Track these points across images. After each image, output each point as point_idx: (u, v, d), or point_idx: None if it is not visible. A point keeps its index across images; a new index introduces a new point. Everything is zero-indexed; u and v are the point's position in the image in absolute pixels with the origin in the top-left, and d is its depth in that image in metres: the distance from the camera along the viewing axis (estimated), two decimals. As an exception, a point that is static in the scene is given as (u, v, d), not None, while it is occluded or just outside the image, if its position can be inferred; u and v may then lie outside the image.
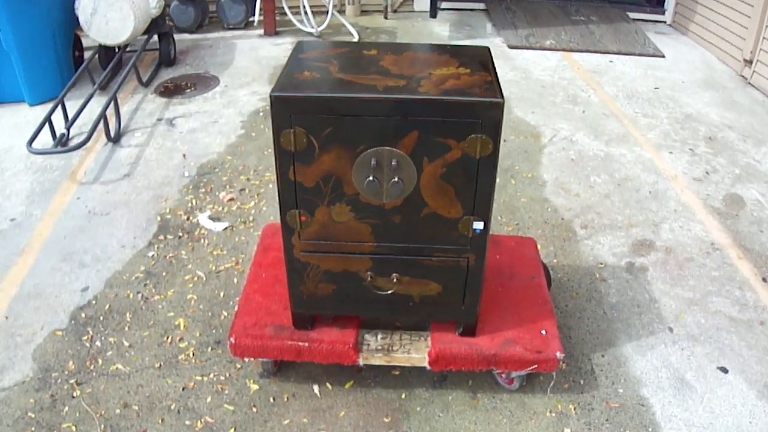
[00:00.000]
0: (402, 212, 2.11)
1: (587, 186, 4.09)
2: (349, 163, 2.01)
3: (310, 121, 1.94)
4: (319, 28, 6.48)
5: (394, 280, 2.26)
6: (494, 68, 2.10)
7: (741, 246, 3.62)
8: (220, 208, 3.79)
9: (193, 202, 3.84)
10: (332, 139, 1.97)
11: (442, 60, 2.15)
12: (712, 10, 6.41)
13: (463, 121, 1.91)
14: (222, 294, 3.18)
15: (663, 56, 6.33)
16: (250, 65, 5.83)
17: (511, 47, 6.38)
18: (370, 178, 2.01)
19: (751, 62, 5.75)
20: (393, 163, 1.98)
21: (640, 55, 6.33)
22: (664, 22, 7.37)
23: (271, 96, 1.90)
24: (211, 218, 3.68)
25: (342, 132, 1.95)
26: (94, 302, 3.14)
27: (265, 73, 5.66)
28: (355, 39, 6.43)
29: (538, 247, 3.07)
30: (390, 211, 2.11)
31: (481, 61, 2.15)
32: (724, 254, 3.56)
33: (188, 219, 3.70)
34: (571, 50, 6.33)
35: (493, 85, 1.94)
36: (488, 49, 2.26)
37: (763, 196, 4.07)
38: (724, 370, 2.86)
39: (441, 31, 6.93)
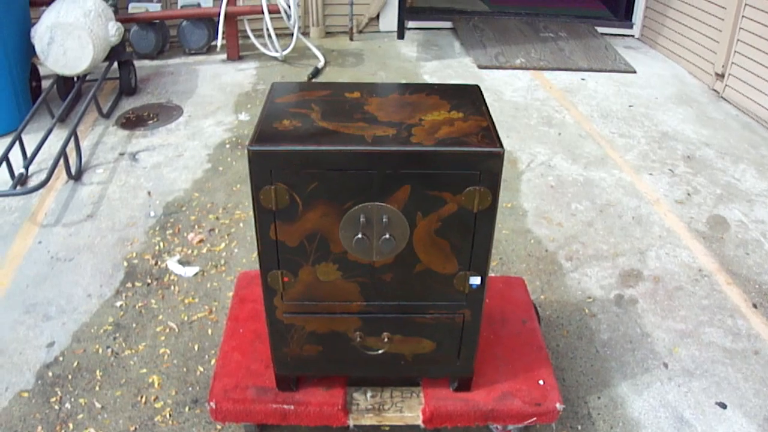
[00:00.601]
0: (393, 270, 1.96)
1: (569, 214, 3.98)
2: (335, 221, 1.85)
3: (292, 177, 1.77)
4: (284, 52, 6.31)
5: (385, 339, 2.10)
6: (488, 110, 1.96)
7: (728, 271, 3.54)
8: (190, 251, 3.59)
9: (161, 244, 3.64)
10: (317, 196, 1.81)
11: (431, 102, 2.00)
12: (681, 23, 6.41)
13: (460, 173, 1.76)
14: (196, 347, 2.99)
15: (634, 72, 6.30)
16: (213, 93, 5.64)
17: (481, 67, 6.30)
18: (359, 235, 1.85)
19: (722, 76, 5.73)
20: (383, 219, 1.83)
21: (611, 71, 6.29)
22: (633, 36, 7.37)
23: (248, 150, 1.73)
24: (181, 262, 3.48)
25: (328, 188, 1.79)
26: (61, 359, 2.93)
27: (230, 102, 5.47)
28: (321, 62, 6.28)
29: (526, 284, 2.93)
30: (380, 269, 1.95)
31: (474, 102, 2.01)
32: (713, 280, 3.47)
33: (156, 264, 3.49)
34: (542, 68, 6.26)
35: (491, 132, 1.80)
36: (478, 87, 2.13)
37: (746, 216, 4.01)
38: (723, 406, 2.76)
39: (408, 51, 6.82)
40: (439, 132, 1.80)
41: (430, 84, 2.02)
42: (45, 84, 5.17)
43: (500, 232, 3.78)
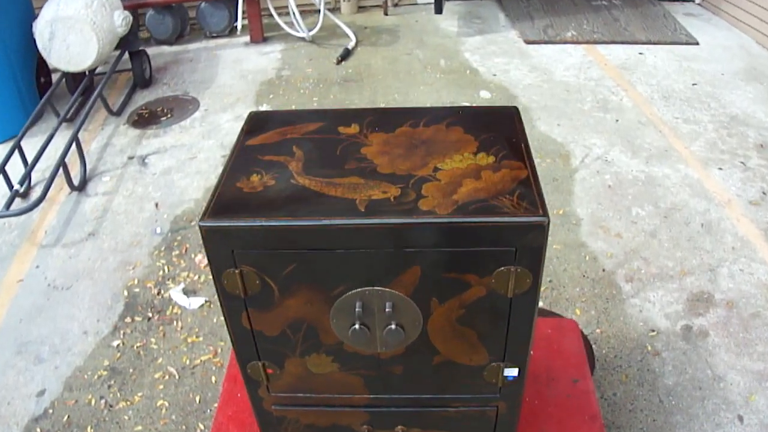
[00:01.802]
0: (404, 362, 1.50)
1: (629, 222, 3.44)
2: (324, 308, 1.40)
3: (262, 259, 1.32)
4: (311, 32, 5.82)
5: (400, 436, 1.66)
6: (527, 148, 1.47)
7: (819, 292, 2.99)
8: (196, 276, 3.19)
9: (166, 269, 3.25)
10: (297, 280, 1.35)
11: (452, 138, 1.52)
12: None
13: (488, 250, 1.29)
14: (198, 399, 2.61)
15: (697, 43, 5.63)
16: (234, 82, 5.20)
17: (528, 42, 5.71)
18: (356, 326, 1.39)
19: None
20: (387, 308, 1.37)
21: (671, 43, 5.63)
22: (693, 1, 6.64)
23: (200, 227, 1.28)
24: (186, 292, 3.09)
25: (309, 270, 1.34)
26: (51, 411, 2.61)
27: (251, 91, 5.03)
28: (352, 42, 5.77)
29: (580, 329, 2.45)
30: (388, 361, 1.50)
31: (509, 136, 1.51)
32: (799, 305, 2.93)
33: (159, 293, 3.11)
34: (595, 42, 5.64)
35: (531, 189, 1.31)
36: (516, 111, 1.63)
37: (838, 222, 3.42)
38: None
39: (448, 26, 6.25)
40: (460, 191, 1.32)
41: (453, 108, 1.52)
42: (55, 78, 4.79)
43: (550, 248, 3.28)
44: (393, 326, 1.40)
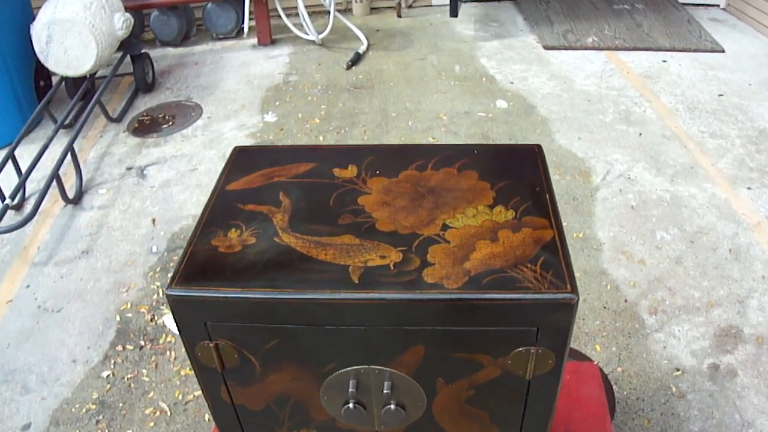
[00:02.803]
0: (406, 441, 1.31)
1: (653, 246, 3.23)
2: (313, 385, 1.21)
3: (240, 332, 1.13)
4: (321, 35, 5.63)
5: None
6: (553, 200, 1.27)
7: None
8: (191, 301, 3.01)
9: (160, 292, 3.08)
10: (281, 356, 1.16)
11: (464, 186, 1.32)
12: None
13: (504, 329, 1.09)
14: (187, 439, 2.43)
15: (722, 51, 5.38)
16: (239, 87, 5.02)
17: (548, 48, 5.48)
18: (350, 405, 1.20)
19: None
20: (385, 389, 1.17)
21: (696, 50, 5.38)
22: (718, 5, 6.38)
23: (167, 296, 1.09)
24: (179, 317, 2.90)
25: (295, 347, 1.15)
26: (36, 449, 2.43)
27: (257, 98, 4.84)
28: (364, 46, 5.57)
29: (602, 373, 2.24)
30: (387, 440, 1.31)
31: (531, 184, 1.31)
32: (836, 342, 2.71)
33: (152, 319, 2.94)
34: (617, 48, 5.41)
35: (558, 256, 1.11)
36: (540, 150, 1.43)
37: None
38: None
39: (464, 29, 6.04)
40: (473, 257, 1.12)
41: (466, 147, 1.32)
42: (55, 82, 4.63)
43: (567, 275, 3.07)
44: (392, 406, 1.21)
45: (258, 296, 1.08)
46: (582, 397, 2.13)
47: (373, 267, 1.11)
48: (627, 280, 3.04)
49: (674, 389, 2.54)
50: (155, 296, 3.05)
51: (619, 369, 2.62)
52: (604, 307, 2.90)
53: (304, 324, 1.10)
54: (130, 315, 2.97)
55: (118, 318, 2.96)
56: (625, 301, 2.94)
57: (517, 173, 1.36)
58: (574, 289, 1.05)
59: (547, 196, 1.29)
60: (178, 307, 1.11)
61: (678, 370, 2.61)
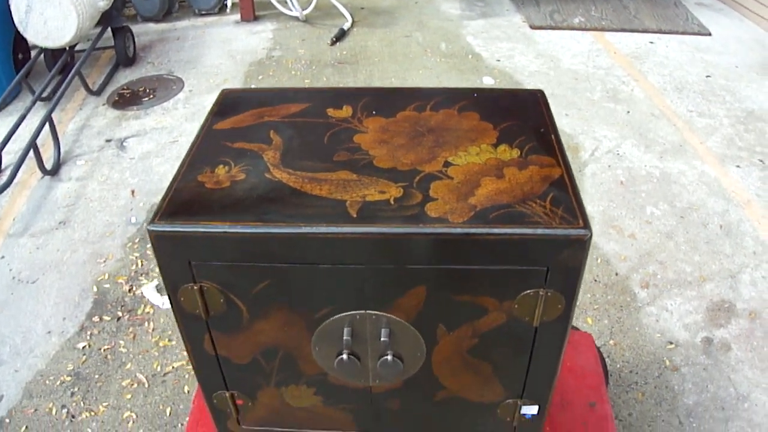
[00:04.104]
0: (402, 396, 1.24)
1: (643, 221, 3.18)
2: (304, 334, 1.13)
3: (227, 273, 1.05)
4: (305, 11, 5.52)
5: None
6: (559, 142, 1.19)
7: None
8: (172, 272, 2.91)
9: (139, 263, 2.98)
10: (271, 300, 1.08)
11: (467, 126, 1.24)
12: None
13: (511, 269, 1.02)
14: (168, 411, 2.35)
15: (709, 34, 5.36)
16: (221, 62, 4.90)
17: (534, 27, 5.42)
18: (344, 356, 1.13)
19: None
20: (382, 336, 1.10)
21: (683, 33, 5.35)
22: (705, -11, 6.35)
23: (149, 231, 1.01)
24: (159, 289, 2.82)
25: (287, 290, 1.07)
26: (8, 421, 2.36)
27: (239, 72, 4.73)
28: (348, 23, 5.47)
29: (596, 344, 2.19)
30: (381, 394, 1.23)
31: (535, 126, 1.24)
32: (829, 316, 2.68)
33: (131, 290, 2.84)
34: (604, 29, 5.36)
35: (567, 193, 1.04)
36: (542, 95, 1.35)
37: None
38: None
39: (449, 8, 5.96)
40: (478, 192, 1.05)
41: (464, 89, 1.24)
42: (35, 55, 4.49)
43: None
44: (389, 357, 1.13)
45: (248, 231, 1.00)
46: (576, 366, 2.08)
47: (372, 202, 1.03)
48: (617, 254, 2.99)
49: (668, 362, 2.49)
50: (134, 267, 2.96)
51: (611, 342, 2.57)
52: (595, 280, 2.85)
53: (297, 263, 1.02)
54: (107, 286, 2.87)
55: (95, 289, 2.86)
56: (616, 274, 2.89)
57: (521, 116, 1.29)
58: (586, 225, 0.99)
59: (553, 137, 1.21)
60: (160, 244, 1.03)
61: (671, 343, 2.57)
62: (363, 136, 1.22)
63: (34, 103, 3.89)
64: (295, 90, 1.40)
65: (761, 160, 3.69)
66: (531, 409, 1.26)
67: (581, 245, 0.98)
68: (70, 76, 4.03)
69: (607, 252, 3.00)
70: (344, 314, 1.09)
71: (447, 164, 1.13)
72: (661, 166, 3.62)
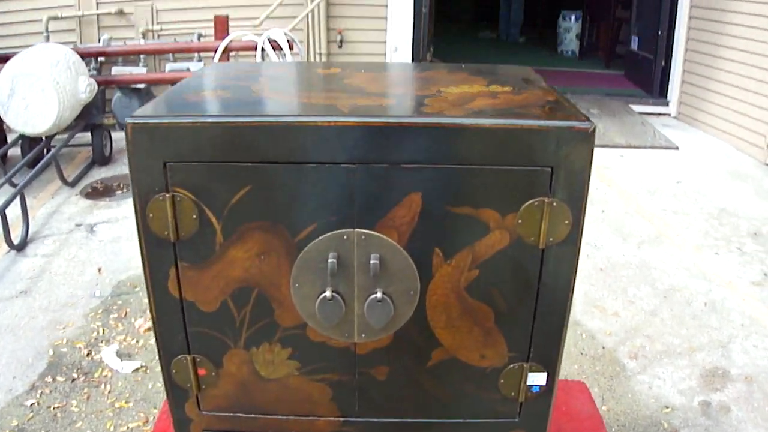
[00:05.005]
0: (390, 360, 1.10)
1: (626, 302, 3.11)
2: (283, 263, 1.02)
3: (203, 178, 0.95)
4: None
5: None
6: (552, 88, 1.15)
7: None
8: (134, 341, 2.74)
9: (100, 330, 2.80)
10: (249, 214, 0.98)
11: (457, 79, 1.20)
12: (724, 95, 5.72)
13: (513, 170, 0.94)
14: (117, 473, 2.10)
15: (677, 148, 5.56)
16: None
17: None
18: (326, 293, 1.01)
19: (777, 149, 4.96)
20: (372, 261, 0.99)
21: (651, 147, 5.54)
22: (669, 114, 6.67)
23: (126, 124, 0.92)
24: (120, 354, 2.63)
25: (267, 197, 0.97)
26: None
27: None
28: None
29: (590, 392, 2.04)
30: (367, 357, 1.10)
31: (527, 78, 1.20)
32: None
33: (89, 354, 2.65)
34: (574, 144, 5.52)
35: (564, 106, 0.98)
36: (531, 70, 1.33)
37: None
38: None
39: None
40: (473, 103, 0.99)
41: (455, 63, 1.21)
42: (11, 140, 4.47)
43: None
44: (378, 294, 1.01)
45: (232, 120, 0.92)
46: (573, 411, 1.93)
47: (365, 105, 0.97)
48: (602, 330, 2.89)
49: (666, 425, 2.34)
50: (94, 334, 2.77)
51: (604, 408, 2.41)
52: (581, 353, 2.73)
53: (282, 161, 0.94)
54: (64, 350, 2.68)
55: (51, 352, 2.66)
56: (603, 347, 2.77)
57: (510, 75, 1.26)
58: (588, 120, 0.93)
59: (544, 83, 1.18)
60: (136, 140, 0.94)
61: (667, 407, 2.43)
62: (353, 80, 1.17)
63: (4, 183, 3.81)
64: (289, 62, 1.37)
65: (738, 248, 3.70)
66: (539, 378, 1.13)
67: (585, 138, 0.92)
68: (45, 161, 3.99)
69: (591, 328, 2.90)
70: (330, 234, 0.99)
71: (439, 92, 1.08)
72: (639, 254, 3.59)
